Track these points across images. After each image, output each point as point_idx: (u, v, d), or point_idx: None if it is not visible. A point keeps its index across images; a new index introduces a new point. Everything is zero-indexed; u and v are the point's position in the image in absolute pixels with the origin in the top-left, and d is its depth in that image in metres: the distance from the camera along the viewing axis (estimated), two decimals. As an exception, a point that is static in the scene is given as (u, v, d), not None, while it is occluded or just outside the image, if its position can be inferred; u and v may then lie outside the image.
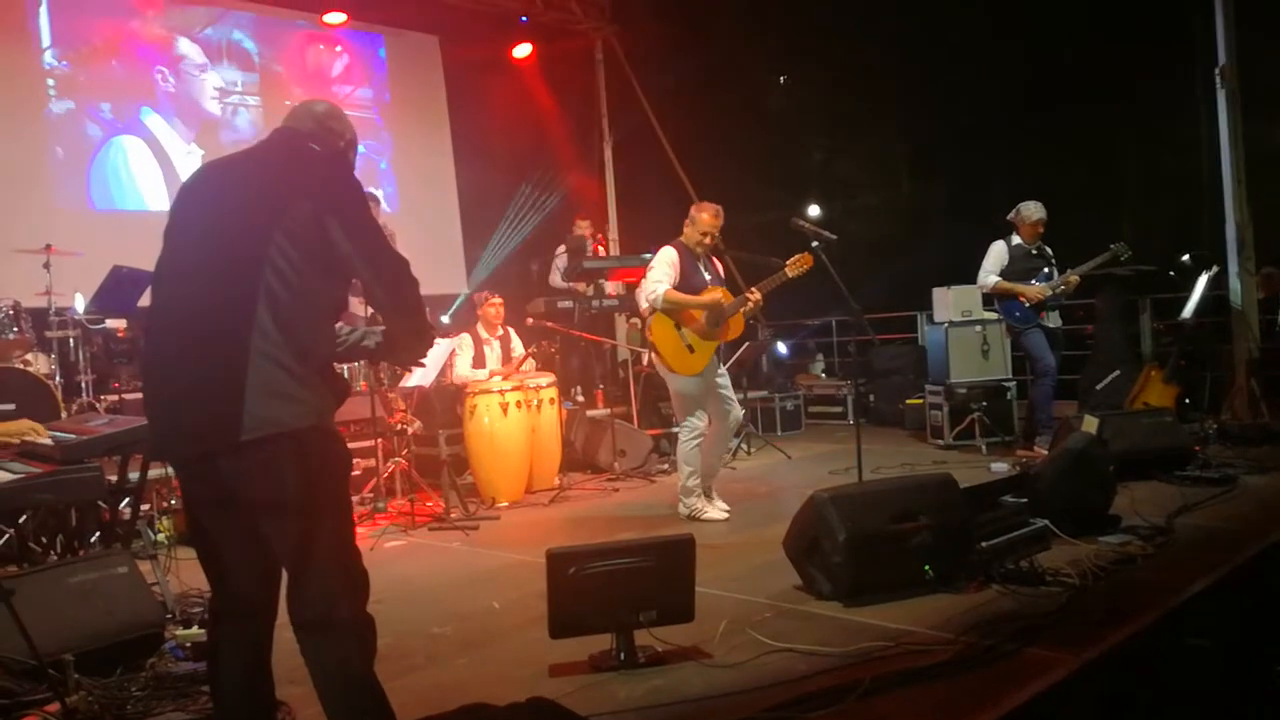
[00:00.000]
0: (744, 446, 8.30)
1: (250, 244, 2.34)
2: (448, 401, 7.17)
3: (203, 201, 2.53)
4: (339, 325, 2.66)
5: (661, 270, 5.66)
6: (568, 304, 9.23)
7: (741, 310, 5.70)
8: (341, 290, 2.52)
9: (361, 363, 6.43)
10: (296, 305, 2.34)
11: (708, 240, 5.76)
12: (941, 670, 3.08)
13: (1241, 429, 7.04)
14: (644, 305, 5.78)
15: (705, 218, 5.74)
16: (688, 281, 5.68)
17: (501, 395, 6.74)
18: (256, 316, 2.30)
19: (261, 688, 2.54)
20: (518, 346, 7.51)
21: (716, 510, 5.80)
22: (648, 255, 6.12)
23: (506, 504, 6.65)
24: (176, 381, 2.40)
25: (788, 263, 5.62)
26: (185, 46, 9.03)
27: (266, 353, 2.30)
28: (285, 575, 2.45)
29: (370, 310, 6.06)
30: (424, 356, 2.78)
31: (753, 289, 5.65)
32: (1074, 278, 7.18)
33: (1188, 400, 7.51)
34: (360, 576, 2.45)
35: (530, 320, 8.29)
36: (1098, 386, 8.07)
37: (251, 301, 2.30)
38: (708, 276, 5.78)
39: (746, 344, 8.98)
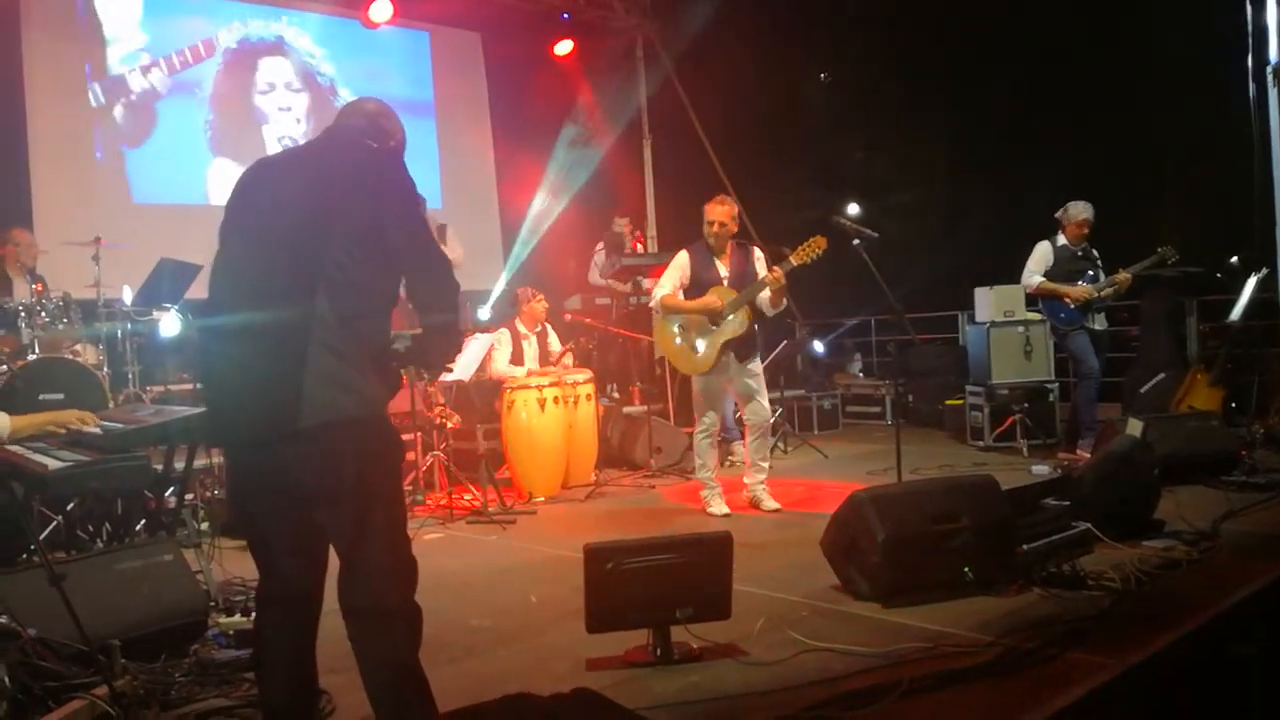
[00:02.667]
0: (780, 445, 8.28)
1: (312, 238, 2.39)
2: (486, 396, 7.21)
3: (262, 197, 2.57)
4: None
5: (667, 276, 5.86)
6: (605, 301, 9.25)
7: (754, 301, 5.69)
8: (395, 285, 2.56)
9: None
10: (355, 298, 2.39)
11: (715, 230, 5.81)
12: (981, 672, 3.06)
13: (1289, 434, 6.91)
14: (652, 305, 5.99)
15: (708, 209, 5.85)
16: (698, 280, 5.80)
17: (539, 391, 6.78)
18: (316, 308, 2.35)
19: (306, 675, 2.57)
20: (555, 343, 7.54)
21: (720, 505, 5.89)
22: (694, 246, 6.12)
23: (543, 499, 6.69)
24: (237, 370, 2.45)
25: (794, 252, 5.60)
26: (232, 43, 9.14)
27: (326, 343, 2.34)
28: (336, 562, 2.48)
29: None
30: (451, 360, 2.81)
31: (771, 269, 5.63)
32: (1125, 276, 7.08)
33: (1234, 404, 7.38)
34: (410, 565, 2.49)
35: (568, 316, 8.32)
36: (1143, 389, 7.95)
37: (312, 293, 2.35)
38: (723, 272, 5.82)
39: (784, 342, 8.96)
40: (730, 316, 5.69)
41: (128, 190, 8.49)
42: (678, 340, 5.81)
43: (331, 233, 2.38)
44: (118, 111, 8.51)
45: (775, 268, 5.57)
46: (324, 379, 2.34)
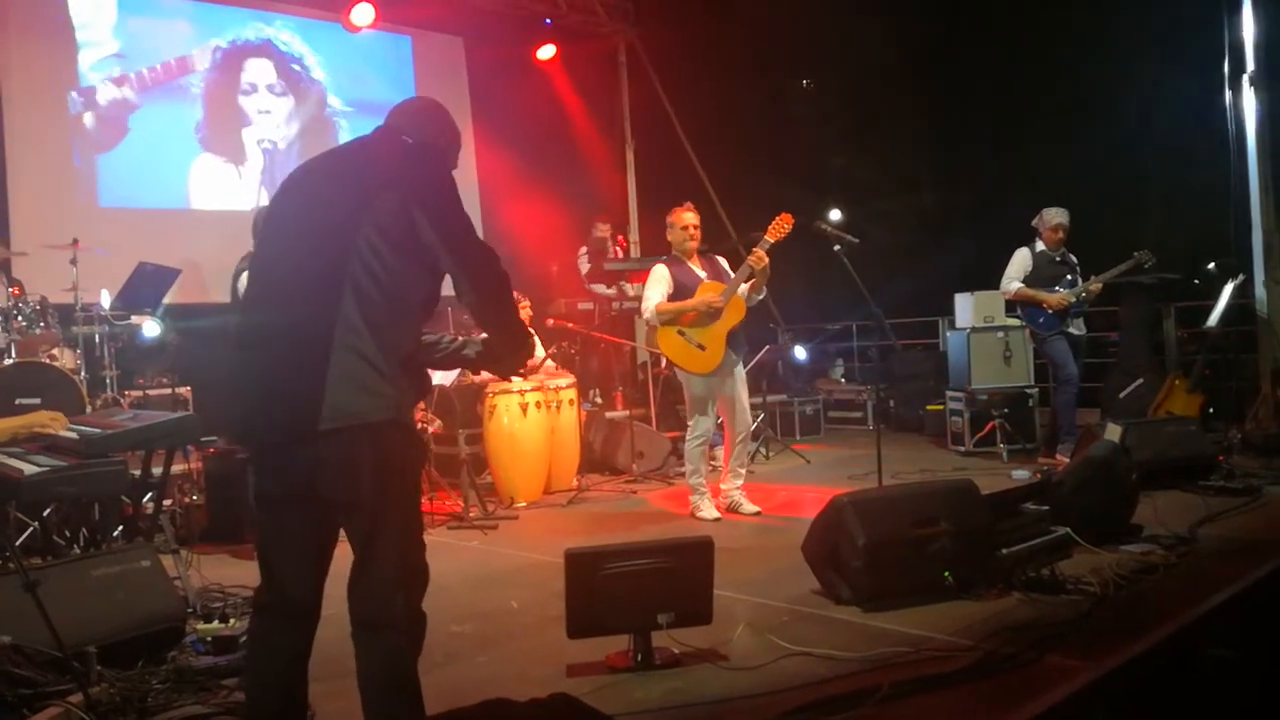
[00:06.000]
0: (762, 450, 8.29)
1: (338, 235, 2.36)
2: (468, 401, 7.19)
3: (298, 195, 2.56)
4: (441, 334, 2.69)
5: (652, 288, 5.92)
6: (588, 305, 9.25)
7: (745, 283, 5.77)
8: (431, 285, 2.50)
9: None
10: (383, 298, 2.35)
11: (690, 233, 5.95)
12: (960, 677, 3.07)
13: (1266, 439, 6.97)
14: (645, 318, 6.02)
15: (676, 217, 6.00)
16: (681, 286, 5.88)
17: (521, 396, 6.77)
18: (342, 308, 2.31)
19: (297, 686, 2.52)
20: (539, 351, 7.52)
21: (709, 510, 5.91)
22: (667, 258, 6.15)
23: (525, 504, 6.67)
24: (261, 369, 2.42)
25: (766, 231, 5.69)
26: (215, 46, 9.08)
27: (350, 344, 2.31)
28: (351, 566, 2.45)
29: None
30: (523, 365, 2.76)
31: (752, 252, 5.69)
32: (1096, 285, 7.14)
33: (1212, 409, 7.45)
34: (421, 572, 2.47)
35: (550, 321, 8.31)
36: (1121, 394, 8.02)
37: (337, 293, 2.31)
38: (702, 274, 5.93)
39: (766, 347, 8.98)
40: (727, 304, 5.76)
41: (104, 194, 8.40)
42: (684, 342, 5.82)
43: (358, 229, 2.34)
44: (88, 118, 8.40)
45: (755, 250, 5.65)
46: (346, 381, 2.30)
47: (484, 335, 2.67)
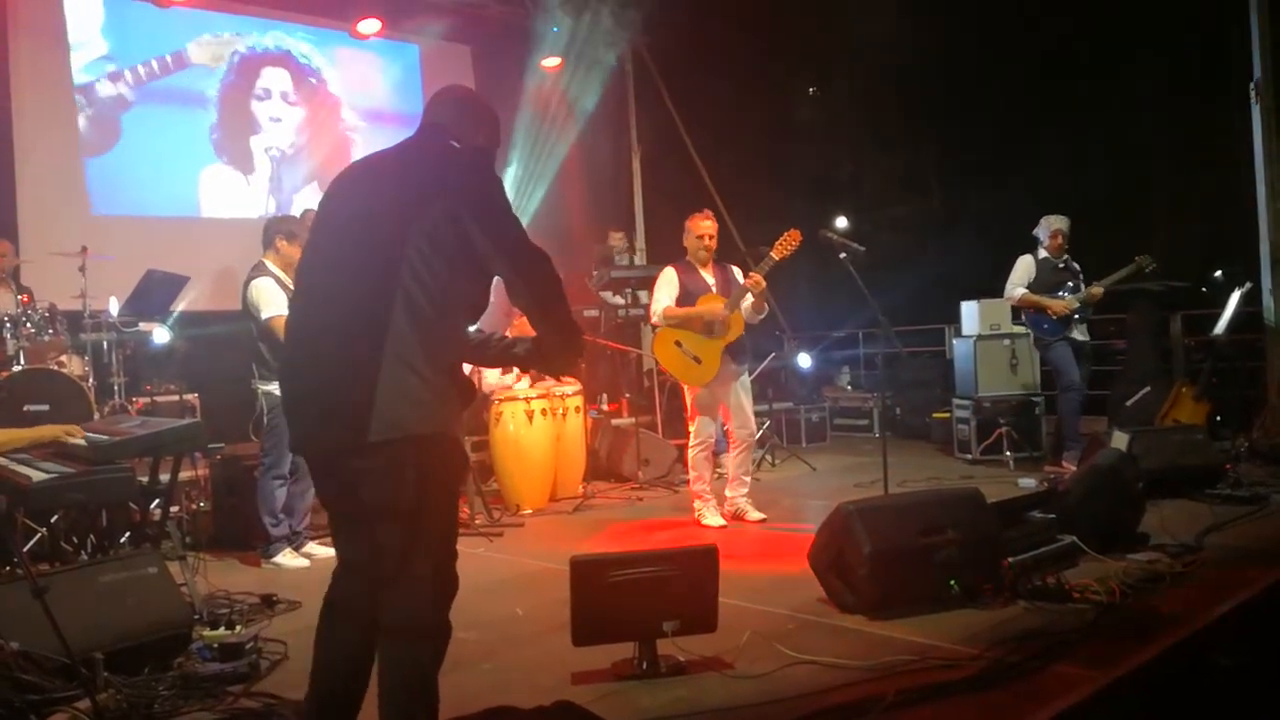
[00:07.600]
0: (768, 458, 8.28)
1: (388, 245, 2.36)
2: (474, 408, 7.18)
3: (347, 200, 2.56)
4: (491, 332, 2.71)
5: (661, 291, 5.95)
6: (594, 313, 9.26)
7: (744, 303, 5.77)
8: (480, 291, 2.51)
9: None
10: (433, 308, 2.35)
11: (705, 242, 5.96)
12: (966, 685, 3.07)
13: (1273, 447, 6.93)
14: (654, 320, 6.06)
15: (694, 224, 6.01)
16: (688, 292, 5.91)
17: (527, 403, 6.77)
18: (392, 318, 2.32)
19: (357, 678, 2.52)
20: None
21: (714, 517, 5.92)
22: (679, 262, 6.16)
23: (531, 511, 6.68)
24: (312, 379, 2.44)
25: (772, 247, 5.70)
26: (222, 54, 9.12)
27: (400, 356, 2.32)
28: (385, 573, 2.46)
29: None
30: (575, 365, 2.77)
31: (748, 275, 5.71)
32: (1097, 289, 7.16)
33: (1219, 418, 7.42)
34: (451, 583, 2.48)
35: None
36: (1128, 403, 7.99)
37: (388, 303, 2.32)
38: (711, 282, 5.94)
39: (771, 355, 8.97)
40: (728, 318, 5.76)
41: (113, 202, 8.43)
42: (680, 354, 5.83)
43: (407, 238, 2.34)
44: (82, 120, 8.40)
45: (753, 272, 5.65)
46: (395, 393, 2.31)
47: (532, 335, 2.67)
